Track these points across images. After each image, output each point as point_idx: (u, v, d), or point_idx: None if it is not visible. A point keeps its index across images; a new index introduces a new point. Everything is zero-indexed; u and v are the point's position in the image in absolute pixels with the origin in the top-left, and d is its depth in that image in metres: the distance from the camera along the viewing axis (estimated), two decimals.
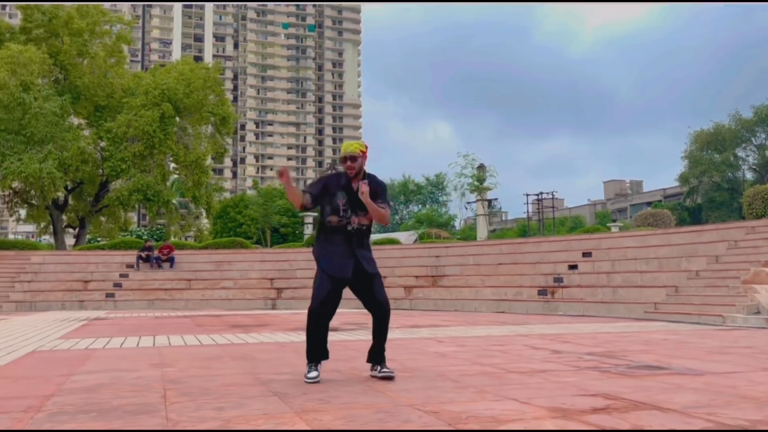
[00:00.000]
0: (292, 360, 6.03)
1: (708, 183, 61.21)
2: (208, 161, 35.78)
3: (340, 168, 4.71)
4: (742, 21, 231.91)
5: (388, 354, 6.55)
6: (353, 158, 4.56)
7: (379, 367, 4.77)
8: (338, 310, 4.83)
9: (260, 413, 3.50)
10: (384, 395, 4.02)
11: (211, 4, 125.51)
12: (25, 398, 4.04)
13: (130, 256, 23.45)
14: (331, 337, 8.86)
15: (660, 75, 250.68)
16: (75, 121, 32.91)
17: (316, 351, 4.65)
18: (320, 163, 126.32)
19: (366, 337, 8.80)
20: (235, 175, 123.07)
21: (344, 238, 4.60)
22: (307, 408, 3.60)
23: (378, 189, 4.61)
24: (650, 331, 9.46)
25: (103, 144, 31.25)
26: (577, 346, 7.20)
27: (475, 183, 26.13)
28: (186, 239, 41.95)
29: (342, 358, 6.16)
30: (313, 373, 4.60)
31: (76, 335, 9.33)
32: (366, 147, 4.65)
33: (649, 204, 71.13)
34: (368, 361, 4.86)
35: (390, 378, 4.65)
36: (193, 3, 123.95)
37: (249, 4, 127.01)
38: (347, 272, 4.55)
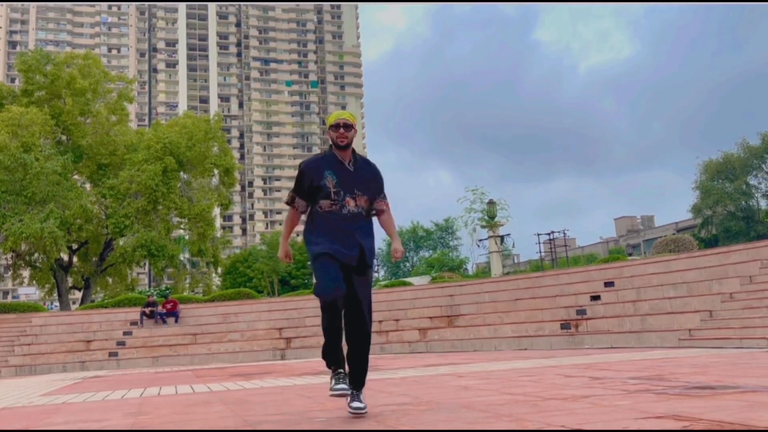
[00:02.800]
0: (293, 401, 5.20)
1: (722, 213, 60.08)
2: (215, 213, 35.30)
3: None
4: (730, 57, 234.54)
5: (400, 389, 5.74)
6: (348, 126, 3.80)
7: (350, 398, 3.80)
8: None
9: None
10: None
11: (215, 66, 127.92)
12: None
13: (134, 312, 22.66)
14: None
15: (655, 112, 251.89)
16: (78, 180, 32.66)
17: (335, 353, 3.84)
18: None
19: (379, 376, 7.95)
20: (244, 231, 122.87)
21: (341, 220, 3.78)
22: None
23: (378, 181, 3.93)
24: (692, 356, 8.55)
25: (106, 202, 30.85)
26: (616, 372, 6.33)
27: (486, 218, 25.35)
28: (195, 294, 41.16)
29: None
30: (341, 385, 3.75)
31: (61, 392, 8.51)
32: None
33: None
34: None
35: (360, 414, 3.72)
36: (197, 52, 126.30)
37: (252, 64, 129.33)
38: (352, 259, 3.73)
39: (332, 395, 3.80)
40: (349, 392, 3.77)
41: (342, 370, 3.83)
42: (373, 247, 3.93)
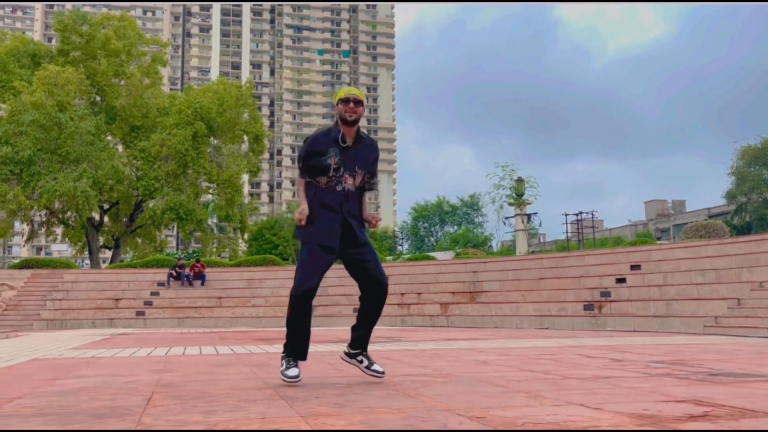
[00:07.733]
0: (312, 366, 5.27)
1: (757, 200, 58.74)
2: (243, 180, 35.56)
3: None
4: (758, 41, 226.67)
5: (419, 361, 5.79)
6: (359, 102, 3.81)
7: (367, 361, 4.02)
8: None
9: (257, 417, 2.77)
10: (415, 399, 3.25)
11: (248, 33, 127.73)
12: None
13: (162, 274, 23.12)
14: None
15: (682, 95, 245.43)
16: (111, 141, 33.12)
17: (300, 344, 3.92)
18: None
19: (400, 347, 8.02)
20: (272, 199, 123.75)
21: (333, 199, 3.79)
22: (318, 412, 2.86)
23: (377, 160, 4.00)
24: (717, 343, 8.45)
25: (137, 164, 31.27)
26: (638, 355, 6.29)
27: (514, 196, 25.15)
28: (221, 258, 41.78)
29: None
30: (293, 371, 3.84)
31: (90, 347, 8.76)
32: None
33: None
34: (352, 348, 4.08)
35: (380, 375, 3.97)
36: (231, 18, 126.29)
37: (285, 31, 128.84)
38: (334, 240, 3.77)
39: (288, 382, 3.83)
40: (299, 381, 3.85)
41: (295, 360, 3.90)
42: (362, 222, 3.94)
